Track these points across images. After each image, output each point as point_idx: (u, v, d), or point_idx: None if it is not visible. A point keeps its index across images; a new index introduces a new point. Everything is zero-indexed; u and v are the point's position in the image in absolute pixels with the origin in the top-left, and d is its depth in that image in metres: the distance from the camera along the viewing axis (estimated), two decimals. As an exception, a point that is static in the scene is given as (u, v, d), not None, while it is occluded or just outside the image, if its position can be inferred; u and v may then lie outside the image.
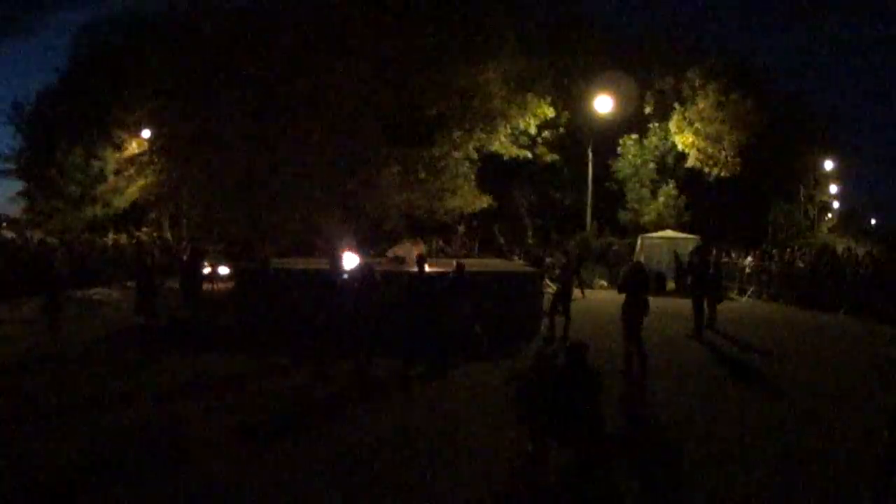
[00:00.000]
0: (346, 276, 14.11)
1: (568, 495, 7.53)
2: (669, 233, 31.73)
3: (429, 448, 8.73)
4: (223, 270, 22.45)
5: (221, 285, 22.04)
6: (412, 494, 7.36)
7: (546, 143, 34.84)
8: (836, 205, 62.51)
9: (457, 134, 25.10)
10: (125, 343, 15.26)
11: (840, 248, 34.20)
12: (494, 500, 7.30)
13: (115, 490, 7.38)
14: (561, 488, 7.69)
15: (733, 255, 32.46)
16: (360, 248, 18.56)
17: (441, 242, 34.59)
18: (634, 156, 38.18)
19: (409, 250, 19.15)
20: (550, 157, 34.77)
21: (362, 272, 13.70)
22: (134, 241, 32.89)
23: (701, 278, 18.52)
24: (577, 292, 21.60)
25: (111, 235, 36.43)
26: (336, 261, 15.01)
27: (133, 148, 36.07)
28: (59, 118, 40.62)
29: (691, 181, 38.82)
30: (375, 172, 22.49)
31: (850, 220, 69.36)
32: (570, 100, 35.99)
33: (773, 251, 30.93)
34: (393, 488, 7.49)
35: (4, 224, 52.87)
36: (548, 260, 28.08)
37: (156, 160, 26.80)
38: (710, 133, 36.19)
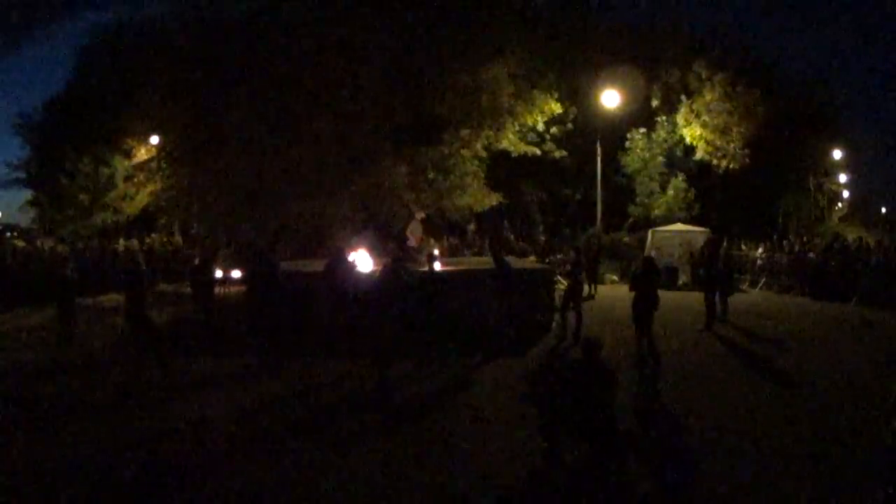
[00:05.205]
0: (365, 276, 14.19)
1: (581, 491, 7.52)
2: (680, 226, 31.60)
3: (442, 445, 8.75)
4: (235, 274, 22.46)
5: (233, 289, 22.08)
6: (425, 490, 7.38)
7: (554, 139, 34.74)
8: (846, 194, 62.18)
9: (465, 132, 25.08)
10: (137, 348, 15.29)
11: (851, 238, 34.01)
12: (508, 497, 7.32)
13: (129, 495, 7.44)
14: (574, 484, 7.69)
15: (744, 246, 32.37)
16: (372, 248, 18.55)
17: (452, 240, 34.54)
18: (643, 150, 38.07)
19: (417, 232, 19.21)
20: (559, 153, 34.65)
21: (386, 273, 13.68)
22: (145, 248, 32.96)
23: (712, 271, 18.49)
24: (585, 288, 21.52)
25: (122, 242, 36.55)
26: (345, 263, 15.01)
27: (142, 154, 36.18)
28: (67, 126, 40.80)
29: (700, 174, 38.71)
30: (384, 172, 22.50)
31: (860, 209, 69.01)
32: (577, 95, 35.87)
33: (788, 241, 30.77)
34: (406, 484, 7.52)
35: (15, 233, 53.21)
36: (559, 256, 28.06)
37: (165, 166, 26.86)
38: (718, 125, 36.11)
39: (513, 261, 19.27)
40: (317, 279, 15.12)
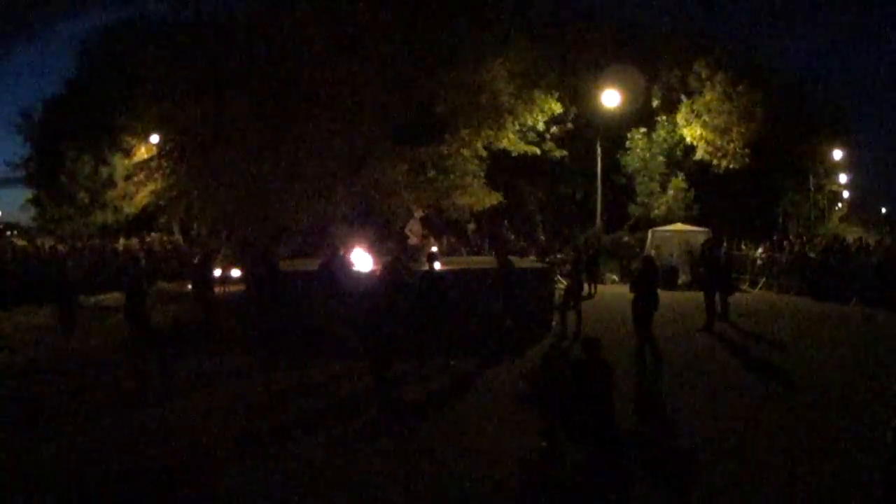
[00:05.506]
0: (364, 275, 14.19)
1: (581, 491, 7.52)
2: (680, 226, 31.63)
3: (442, 445, 8.74)
4: (235, 273, 22.47)
5: (233, 288, 22.08)
6: (425, 490, 7.37)
7: (554, 138, 34.75)
8: (846, 194, 62.19)
9: (465, 131, 25.06)
10: (138, 348, 15.28)
11: (851, 238, 34.01)
12: (508, 497, 7.31)
13: (129, 495, 7.44)
14: (574, 484, 7.68)
15: (744, 246, 32.37)
16: (372, 247, 18.56)
17: (453, 240, 34.55)
18: (643, 149, 38.09)
19: (416, 231, 19.22)
20: (559, 153, 34.66)
21: (387, 272, 13.65)
22: (145, 247, 32.93)
23: (712, 271, 18.49)
24: (585, 288, 21.51)
25: (121, 241, 36.52)
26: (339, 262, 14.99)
27: (142, 153, 36.09)
28: (67, 125, 40.74)
29: (700, 174, 38.70)
30: (384, 171, 22.50)
31: (860, 209, 69.03)
32: (578, 95, 35.89)
33: (788, 241, 30.76)
34: (406, 484, 7.51)
35: (15, 232, 53.21)
36: (559, 256, 28.07)
37: (165, 164, 26.85)
38: (718, 125, 36.13)
39: (513, 260, 19.29)
40: (313, 278, 15.12)
